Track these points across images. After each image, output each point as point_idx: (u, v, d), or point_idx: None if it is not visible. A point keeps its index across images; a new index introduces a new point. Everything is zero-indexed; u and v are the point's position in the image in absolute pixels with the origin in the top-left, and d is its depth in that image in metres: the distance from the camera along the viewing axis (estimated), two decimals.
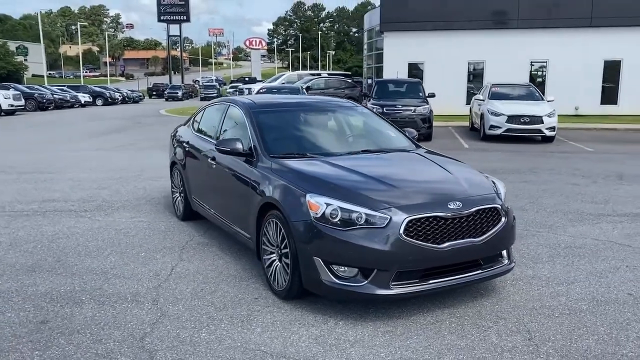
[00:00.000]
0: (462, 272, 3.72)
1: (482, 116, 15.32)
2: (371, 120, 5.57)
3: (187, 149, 6.11)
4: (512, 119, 14.32)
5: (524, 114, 14.34)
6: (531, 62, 25.17)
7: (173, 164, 6.64)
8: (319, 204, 3.66)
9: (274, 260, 4.15)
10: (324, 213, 3.61)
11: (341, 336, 3.46)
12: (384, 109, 14.54)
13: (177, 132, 6.85)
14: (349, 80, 27.67)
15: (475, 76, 25.64)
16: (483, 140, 14.91)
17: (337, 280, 3.57)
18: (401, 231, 3.49)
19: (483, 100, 15.85)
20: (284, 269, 3.97)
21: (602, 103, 24.83)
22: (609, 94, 24.86)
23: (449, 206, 3.66)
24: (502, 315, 3.76)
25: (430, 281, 3.61)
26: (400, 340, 3.39)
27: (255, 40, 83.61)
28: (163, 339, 3.46)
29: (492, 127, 14.64)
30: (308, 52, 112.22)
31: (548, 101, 15.61)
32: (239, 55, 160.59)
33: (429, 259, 3.56)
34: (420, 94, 15.87)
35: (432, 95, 15.90)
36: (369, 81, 30.69)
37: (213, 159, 5.26)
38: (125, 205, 7.32)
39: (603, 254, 5.13)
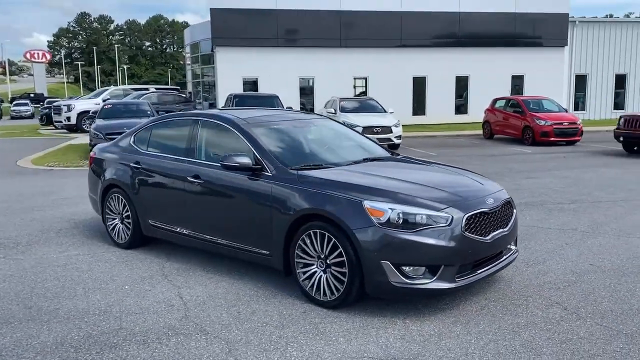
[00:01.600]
0: (494, 261, 4.21)
1: None
2: (344, 130, 5.81)
3: (139, 169, 5.62)
4: (367, 129, 15.56)
5: (376, 125, 15.73)
6: (354, 77, 27.40)
7: (109, 188, 6.01)
8: (382, 209, 3.82)
9: (315, 271, 4.16)
10: (389, 218, 3.79)
11: (422, 331, 3.67)
12: None
13: (105, 153, 6.22)
14: (183, 95, 26.91)
15: (306, 91, 27.01)
16: None
17: (407, 280, 3.77)
18: (463, 227, 3.84)
19: (335, 113, 16.91)
20: (333, 278, 4.02)
21: (413, 114, 28.10)
22: (418, 106, 28.28)
23: (487, 202, 4.13)
24: (526, 294, 4.33)
25: (478, 271, 4.02)
26: (473, 327, 3.73)
27: (38, 53, 75.67)
28: None
29: None
30: (99, 66, 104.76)
31: (390, 113, 17.32)
32: (11, 69, 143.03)
33: (481, 251, 3.98)
34: (279, 108, 16.32)
35: (290, 108, 16.47)
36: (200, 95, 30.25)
37: (196, 176, 4.98)
38: (34, 240, 6.39)
39: (538, 237, 6.11)
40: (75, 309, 4.23)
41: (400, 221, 3.78)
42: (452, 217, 3.83)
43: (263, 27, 25.62)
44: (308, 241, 4.15)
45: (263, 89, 25.56)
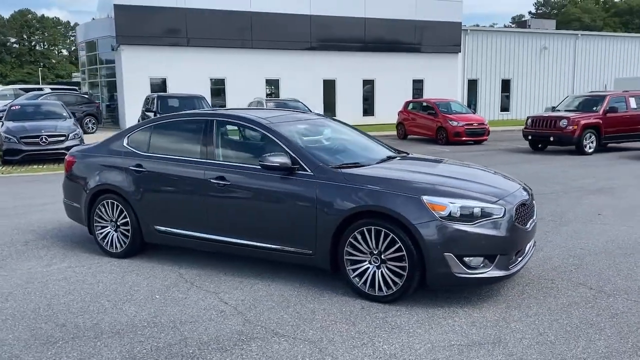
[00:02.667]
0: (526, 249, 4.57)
1: None
2: (349, 129, 5.90)
3: (142, 172, 5.30)
4: None
5: None
6: (266, 79, 27.34)
7: (99, 194, 5.59)
8: (443, 204, 4.00)
9: (367, 268, 4.25)
10: (450, 212, 3.98)
11: (486, 318, 3.91)
12: None
13: (90, 157, 5.79)
14: (85, 96, 25.14)
15: (217, 92, 26.50)
16: None
17: (468, 271, 3.99)
18: (514, 218, 4.14)
19: None
20: (391, 273, 4.13)
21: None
22: (328, 108, 28.90)
23: (522, 193, 4.47)
24: (549, 278, 4.74)
25: (519, 259, 4.34)
26: (527, 310, 4.04)
27: None
28: None
29: None
30: None
31: (316, 114, 17.59)
32: None
33: (524, 240, 4.31)
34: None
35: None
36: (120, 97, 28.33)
37: (220, 178, 4.83)
38: (5, 255, 5.80)
39: None
40: (118, 322, 3.95)
41: (459, 214, 3.99)
42: (505, 208, 4.11)
43: (171, 26, 24.74)
44: (360, 238, 4.22)
45: (172, 90, 24.71)
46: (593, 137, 15.06)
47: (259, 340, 3.62)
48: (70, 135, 13.66)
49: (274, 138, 4.80)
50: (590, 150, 15.02)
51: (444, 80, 30.42)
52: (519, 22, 41.53)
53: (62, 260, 5.51)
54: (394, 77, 29.38)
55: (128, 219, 5.42)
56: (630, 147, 16.41)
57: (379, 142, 5.80)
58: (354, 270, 4.30)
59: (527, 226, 4.37)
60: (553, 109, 17.57)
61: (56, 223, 7.16)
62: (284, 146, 4.70)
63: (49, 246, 6.07)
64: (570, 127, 14.90)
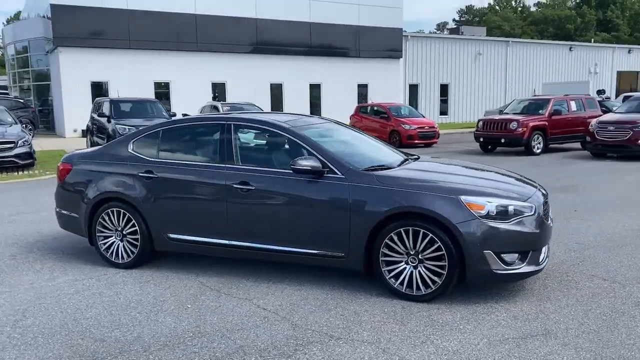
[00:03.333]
0: None
1: None
2: (357, 133, 5.95)
3: (153, 179, 5.12)
4: None
5: None
6: (212, 82, 26.90)
7: (102, 203, 5.34)
8: (482, 203, 4.14)
9: (403, 268, 4.32)
10: (488, 211, 4.13)
11: (526, 311, 4.08)
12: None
13: (89, 164, 5.53)
14: (21, 100, 23.69)
15: (162, 96, 25.80)
16: None
17: (506, 267, 4.15)
18: (542, 215, 4.34)
19: None
20: (429, 273, 4.23)
21: None
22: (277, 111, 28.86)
23: (542, 192, 4.70)
24: (562, 272, 5.00)
25: (541, 255, 4.55)
26: (558, 302, 4.25)
27: None
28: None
29: None
30: None
31: None
32: None
33: (549, 235, 4.53)
34: (163, 113, 15.50)
35: (174, 115, 15.75)
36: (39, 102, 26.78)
37: (244, 183, 4.76)
38: (3, 269, 5.44)
39: None
40: (161, 334, 3.81)
41: (496, 213, 4.15)
42: (534, 206, 4.31)
43: (113, 28, 23.85)
44: (397, 239, 4.29)
45: (114, 93, 23.81)
46: (540, 138, 15.94)
47: (317, 344, 3.60)
48: (20, 142, 12.90)
49: (300, 142, 4.78)
50: (538, 151, 15.89)
51: (387, 84, 31.16)
52: (453, 29, 43.29)
53: (64, 273, 5.22)
54: (340, 81, 29.77)
55: (137, 228, 5.21)
56: (571, 147, 17.47)
57: (386, 145, 5.90)
58: (390, 271, 4.36)
59: (549, 222, 4.60)
60: (501, 112, 18.43)
61: (37, 235, 6.75)
62: (311, 150, 4.70)
63: (41, 259, 5.72)
64: (520, 129, 15.70)
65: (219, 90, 27.15)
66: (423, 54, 33.64)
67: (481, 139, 16.71)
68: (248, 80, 27.06)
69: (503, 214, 4.16)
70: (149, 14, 24.41)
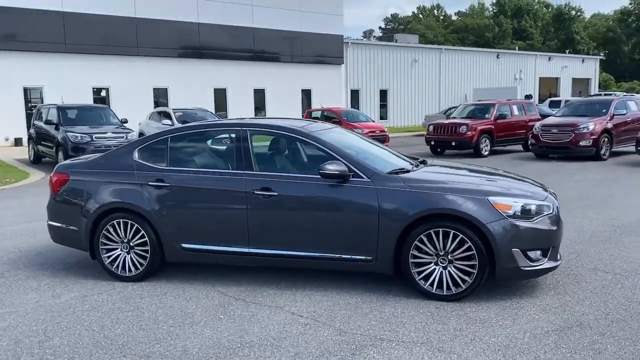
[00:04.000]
0: None
1: None
2: (362, 138, 6.02)
3: (165, 187, 4.97)
4: None
5: None
6: (153, 87, 26.12)
7: (107, 214, 5.11)
8: (509, 204, 4.33)
9: (433, 269, 4.44)
10: (515, 210, 4.33)
11: (554, 304, 4.30)
12: (92, 136, 13.20)
13: (88, 174, 5.28)
14: None
15: (101, 101, 24.75)
16: None
17: (531, 264, 4.35)
18: (558, 213, 4.59)
19: (173, 125, 16.17)
20: (460, 272, 4.37)
21: None
22: (220, 117, 28.43)
23: (551, 192, 4.97)
24: (566, 266, 5.29)
25: (559, 251, 4.80)
26: (575, 295, 4.50)
27: None
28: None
29: None
30: None
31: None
32: None
33: (562, 233, 4.80)
34: (113, 119, 14.92)
35: (126, 121, 15.21)
36: None
37: (266, 189, 4.71)
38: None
39: None
40: (206, 346, 3.72)
41: (521, 212, 4.36)
42: (552, 205, 4.56)
43: (47, 30, 22.59)
44: (427, 240, 4.40)
45: (51, 99, 22.59)
46: (487, 141, 16.71)
47: (372, 347, 3.64)
48: None
49: (322, 147, 4.80)
50: (486, 153, 16.64)
51: (329, 90, 31.52)
52: (387, 36, 44.45)
53: (68, 290, 4.95)
54: (284, 86, 29.81)
55: (147, 239, 5.03)
56: (513, 149, 18.42)
57: (387, 149, 6.03)
58: (420, 273, 4.47)
59: (561, 221, 4.88)
60: (448, 116, 19.14)
61: (16, 250, 6.34)
62: (335, 154, 4.73)
63: (33, 275, 5.39)
64: (469, 133, 16.38)
65: (160, 96, 26.41)
66: (363, 60, 34.33)
67: (432, 142, 17.28)
68: (191, 85, 26.53)
69: (527, 213, 4.38)
70: (85, 17, 23.38)
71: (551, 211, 4.51)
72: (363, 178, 4.60)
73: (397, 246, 4.47)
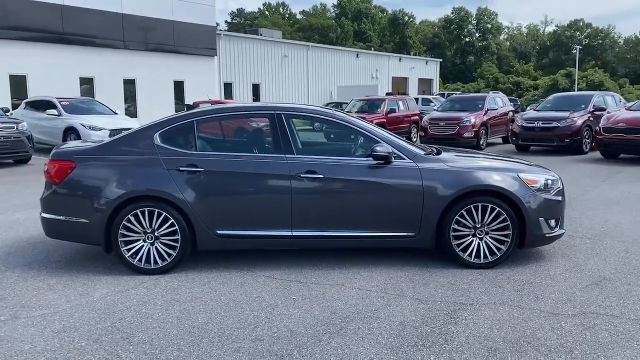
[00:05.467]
0: None
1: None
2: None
3: (199, 173, 4.75)
4: (114, 133, 14.28)
5: (124, 127, 14.59)
6: (9, 75, 23.26)
7: (127, 203, 4.74)
8: (536, 178, 4.92)
9: (471, 241, 4.88)
10: (540, 184, 4.93)
11: (581, 276, 4.98)
12: None
13: (102, 160, 4.85)
14: None
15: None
16: None
17: (551, 231, 4.99)
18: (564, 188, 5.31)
19: (59, 115, 14.72)
20: (495, 242, 4.86)
21: None
22: None
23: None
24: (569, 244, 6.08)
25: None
26: (596, 265, 5.24)
27: None
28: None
29: None
30: None
31: (117, 114, 16.23)
32: None
33: None
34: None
35: (8, 110, 13.50)
36: None
37: (311, 172, 4.77)
38: (8, 290, 4.49)
39: None
40: (307, 325, 3.74)
41: (543, 186, 4.97)
42: (559, 180, 5.25)
43: None
44: (466, 214, 4.83)
45: None
46: None
47: (462, 310, 3.95)
48: None
49: (364, 131, 4.99)
50: None
51: (203, 82, 30.70)
52: (252, 30, 44.40)
53: (95, 287, 4.51)
54: (156, 77, 28.39)
55: (177, 227, 4.76)
56: None
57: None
58: (459, 245, 4.88)
59: None
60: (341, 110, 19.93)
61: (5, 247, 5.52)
62: (376, 137, 4.94)
63: (31, 275, 4.79)
64: None
65: (18, 85, 23.58)
66: (236, 53, 34.02)
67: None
68: (53, 73, 24.04)
69: (546, 186, 5.01)
70: None
71: (560, 185, 5.20)
72: (405, 159, 4.87)
73: (439, 221, 4.83)
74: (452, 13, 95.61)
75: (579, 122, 14.79)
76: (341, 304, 4.10)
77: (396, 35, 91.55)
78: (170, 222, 4.75)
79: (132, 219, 4.75)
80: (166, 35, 28.71)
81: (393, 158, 4.84)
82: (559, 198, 5.10)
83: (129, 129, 14.20)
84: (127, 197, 4.72)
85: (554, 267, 4.96)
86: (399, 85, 52.57)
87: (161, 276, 4.75)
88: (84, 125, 14.08)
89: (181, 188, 4.73)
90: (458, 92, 54.17)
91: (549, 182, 5.05)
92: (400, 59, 51.65)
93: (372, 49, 60.01)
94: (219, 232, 4.82)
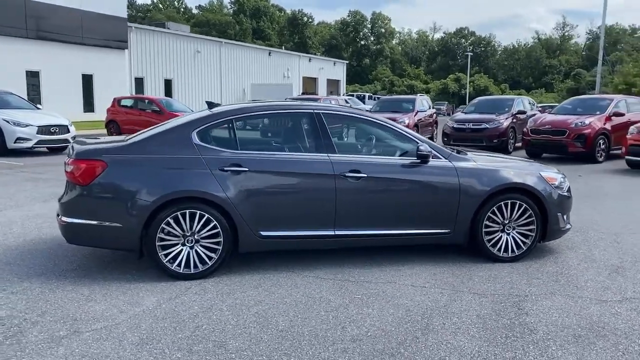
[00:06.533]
0: None
1: None
2: None
3: (243, 173, 4.59)
4: (43, 129, 13.18)
5: (54, 124, 13.51)
6: None
7: (166, 206, 4.47)
8: (555, 176, 5.30)
9: (500, 236, 5.16)
10: (557, 183, 5.32)
11: (605, 261, 5.44)
12: None
13: (149, 158, 4.55)
14: None
15: None
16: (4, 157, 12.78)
17: (565, 225, 5.40)
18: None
19: None
20: (521, 236, 5.17)
21: None
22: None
23: None
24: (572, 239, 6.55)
25: None
26: (609, 254, 5.75)
27: None
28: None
29: (19, 139, 12.88)
30: None
31: (39, 108, 14.99)
32: None
33: None
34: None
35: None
36: None
37: (355, 171, 4.79)
38: (48, 297, 4.07)
39: None
40: (395, 322, 3.79)
41: (559, 184, 5.38)
42: (566, 179, 5.69)
43: None
44: (497, 211, 5.10)
45: None
46: None
47: (526, 301, 4.17)
48: None
49: (401, 131, 5.09)
50: None
51: (113, 76, 29.20)
52: (158, 24, 42.48)
53: (139, 297, 4.21)
54: (62, 70, 26.53)
55: (219, 229, 4.57)
56: None
57: None
58: (489, 240, 5.14)
59: None
60: None
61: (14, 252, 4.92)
62: (411, 137, 5.07)
63: (73, 284, 4.39)
64: None
65: None
66: (148, 47, 32.57)
67: None
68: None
69: (560, 184, 5.42)
70: None
71: (568, 183, 5.65)
72: (441, 159, 5.05)
73: (473, 218, 5.06)
74: (348, 16, 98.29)
75: (505, 124, 15.94)
76: (408, 301, 4.17)
77: (295, 35, 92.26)
78: (212, 224, 4.55)
79: (172, 221, 4.48)
80: (73, 25, 26.90)
81: (431, 157, 5.00)
82: (569, 194, 5.53)
83: (63, 125, 13.38)
84: (168, 198, 4.45)
85: (568, 258, 5.37)
86: (309, 85, 53.23)
87: (203, 281, 4.54)
88: (7, 121, 12.79)
89: (225, 189, 4.55)
90: (370, 94, 55.75)
91: (561, 179, 5.47)
92: (310, 60, 52.29)
93: (284, 47, 60.10)
94: (262, 233, 4.69)
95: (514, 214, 5.14)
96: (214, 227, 4.56)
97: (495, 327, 3.73)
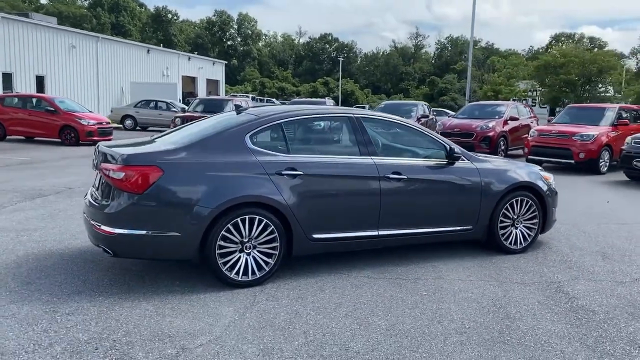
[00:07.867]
0: None
1: None
2: None
3: (298, 176, 4.55)
4: None
5: None
6: None
7: (226, 212, 4.30)
8: (549, 175, 5.93)
9: (511, 231, 5.67)
10: (552, 180, 5.97)
11: (614, 255, 6.14)
12: None
13: (205, 163, 4.34)
14: None
15: None
16: None
17: (555, 218, 6.08)
18: None
19: None
20: (527, 230, 5.72)
21: None
22: None
23: None
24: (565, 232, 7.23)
25: None
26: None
27: None
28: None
29: None
30: None
31: None
32: None
33: None
34: None
35: None
36: None
37: (397, 173, 4.99)
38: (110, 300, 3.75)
39: None
40: (480, 315, 4.07)
41: (552, 181, 6.03)
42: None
43: None
44: (510, 208, 5.61)
45: None
46: None
47: (565, 287, 4.68)
48: None
49: (430, 135, 5.39)
50: None
51: None
52: (22, 14, 38.32)
53: (213, 307, 4.02)
54: None
55: (276, 234, 4.50)
56: None
57: None
58: (502, 235, 5.63)
59: None
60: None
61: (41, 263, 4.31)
62: (439, 140, 5.39)
63: (130, 299, 4.03)
64: None
65: None
66: (17, 40, 29.37)
67: None
68: None
69: (552, 182, 6.08)
70: None
71: (554, 181, 6.35)
72: (465, 160, 5.43)
73: (491, 215, 5.51)
74: (214, 15, 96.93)
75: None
76: (472, 294, 4.45)
77: (159, 32, 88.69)
78: (270, 229, 4.46)
79: (232, 228, 4.32)
80: None
81: (462, 158, 5.36)
82: (556, 190, 6.23)
83: None
84: (229, 204, 4.28)
85: (562, 245, 6.05)
86: (188, 85, 51.69)
87: (263, 287, 4.43)
88: None
89: (283, 193, 4.48)
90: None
91: (552, 178, 6.15)
92: (189, 58, 50.79)
93: (162, 45, 57.64)
94: (314, 236, 4.69)
95: (522, 210, 5.67)
96: (272, 232, 4.47)
97: (562, 311, 4.16)
